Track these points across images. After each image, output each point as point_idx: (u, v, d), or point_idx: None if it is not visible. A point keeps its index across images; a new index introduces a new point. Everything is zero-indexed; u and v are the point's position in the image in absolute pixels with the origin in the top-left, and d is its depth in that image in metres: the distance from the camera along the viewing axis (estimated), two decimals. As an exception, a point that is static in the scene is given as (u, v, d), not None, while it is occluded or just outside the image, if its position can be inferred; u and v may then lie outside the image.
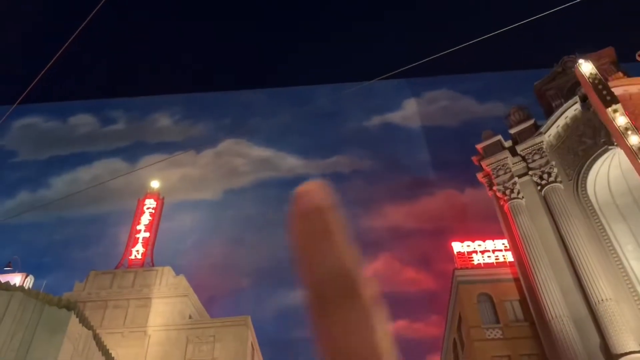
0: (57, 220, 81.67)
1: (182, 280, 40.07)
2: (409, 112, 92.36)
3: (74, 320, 17.73)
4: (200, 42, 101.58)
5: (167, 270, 40.17)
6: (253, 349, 37.14)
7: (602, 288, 27.11)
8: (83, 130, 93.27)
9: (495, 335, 30.67)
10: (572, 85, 35.22)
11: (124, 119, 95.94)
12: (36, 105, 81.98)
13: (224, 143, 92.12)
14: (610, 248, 28.80)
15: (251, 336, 36.96)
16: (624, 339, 25.13)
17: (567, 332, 26.87)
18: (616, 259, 28.32)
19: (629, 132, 24.99)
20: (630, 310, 26.34)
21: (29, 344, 16.82)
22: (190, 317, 38.65)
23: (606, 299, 26.59)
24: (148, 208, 46.21)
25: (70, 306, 17.98)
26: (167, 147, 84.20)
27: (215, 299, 69.64)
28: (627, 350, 24.70)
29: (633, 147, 24.60)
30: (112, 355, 25.34)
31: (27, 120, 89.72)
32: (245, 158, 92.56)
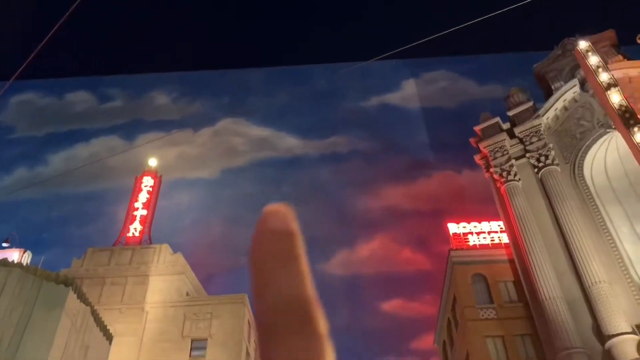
0: (55, 197, 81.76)
1: (180, 257, 40.31)
2: (407, 93, 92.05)
3: (72, 296, 17.89)
4: (197, 20, 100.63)
5: (165, 248, 40.40)
6: (250, 326, 37.53)
7: (596, 270, 27.37)
8: (80, 107, 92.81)
9: (489, 315, 31.02)
10: (572, 68, 35.09)
11: (121, 97, 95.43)
12: (33, 82, 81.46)
13: (222, 122, 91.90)
14: (605, 231, 29.01)
15: (248, 314, 37.33)
16: (616, 321, 25.47)
17: (560, 313, 27.20)
18: (611, 241, 28.54)
19: (628, 116, 24.99)
20: (623, 293, 26.64)
21: (28, 320, 16.99)
22: (187, 294, 38.97)
23: (600, 281, 26.87)
24: (145, 186, 46.27)
25: (68, 282, 18.12)
26: (164, 125, 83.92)
27: (213, 277, 70.09)
28: (619, 332, 25.05)
29: (631, 131, 24.63)
30: (110, 331, 25.60)
31: (24, 96, 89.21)
32: (244, 137, 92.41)
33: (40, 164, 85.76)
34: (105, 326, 24.64)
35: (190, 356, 33.79)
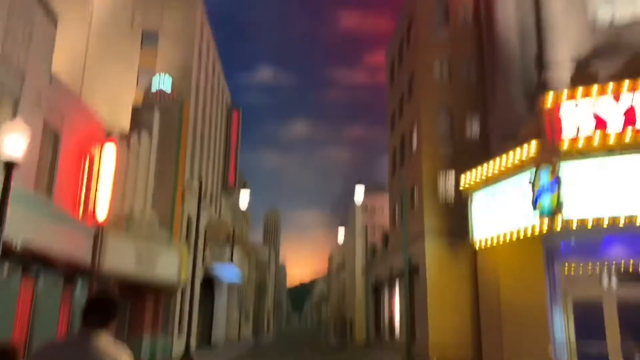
0: None
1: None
2: None
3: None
4: None
5: None
6: (202, 24, 36.74)
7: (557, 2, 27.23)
8: None
9: (442, 35, 31.43)
10: None
11: None
12: None
13: None
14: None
15: (201, 11, 36.16)
16: (559, 51, 26.53)
17: (510, 40, 27.93)
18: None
19: None
20: (575, 27, 27.01)
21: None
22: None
23: (557, 13, 27.04)
24: None
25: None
26: None
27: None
28: (559, 59, 26.37)
29: None
30: (55, 15, 24.46)
31: None
32: None
33: None
34: (50, 7, 23.38)
35: (141, 48, 33.56)
